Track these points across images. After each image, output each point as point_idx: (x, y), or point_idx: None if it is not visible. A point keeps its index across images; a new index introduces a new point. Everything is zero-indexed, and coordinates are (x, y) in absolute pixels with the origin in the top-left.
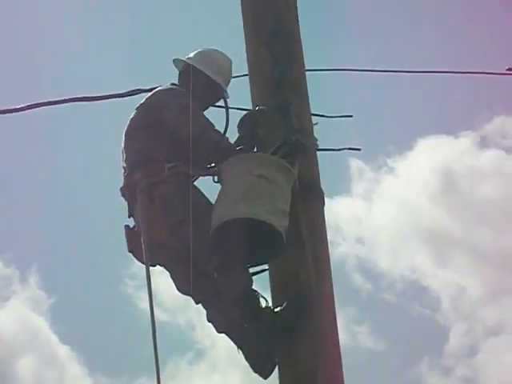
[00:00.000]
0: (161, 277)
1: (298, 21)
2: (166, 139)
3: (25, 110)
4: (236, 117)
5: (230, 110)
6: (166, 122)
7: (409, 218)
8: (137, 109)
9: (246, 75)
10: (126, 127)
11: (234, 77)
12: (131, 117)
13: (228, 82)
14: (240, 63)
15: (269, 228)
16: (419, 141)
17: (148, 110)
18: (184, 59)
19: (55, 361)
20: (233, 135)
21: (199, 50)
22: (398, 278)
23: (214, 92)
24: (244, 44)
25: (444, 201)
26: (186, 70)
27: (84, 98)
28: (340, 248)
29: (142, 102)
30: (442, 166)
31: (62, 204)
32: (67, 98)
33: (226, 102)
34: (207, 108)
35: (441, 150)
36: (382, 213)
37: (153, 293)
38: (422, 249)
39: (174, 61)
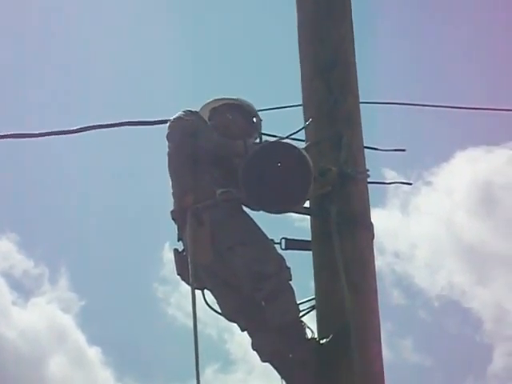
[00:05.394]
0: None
1: (354, 52)
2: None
3: (80, 131)
4: None
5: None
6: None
7: (447, 232)
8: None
9: (300, 105)
10: (168, 152)
11: (288, 106)
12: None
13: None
14: (295, 93)
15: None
16: (458, 153)
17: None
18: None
19: (84, 362)
20: None
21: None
22: (435, 295)
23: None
24: (299, 74)
25: (484, 215)
26: (221, 108)
27: (138, 122)
28: (377, 262)
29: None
30: (482, 178)
31: (94, 208)
32: (121, 121)
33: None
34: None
35: (480, 162)
36: (418, 226)
37: (197, 316)
38: (460, 265)
39: (202, 107)
